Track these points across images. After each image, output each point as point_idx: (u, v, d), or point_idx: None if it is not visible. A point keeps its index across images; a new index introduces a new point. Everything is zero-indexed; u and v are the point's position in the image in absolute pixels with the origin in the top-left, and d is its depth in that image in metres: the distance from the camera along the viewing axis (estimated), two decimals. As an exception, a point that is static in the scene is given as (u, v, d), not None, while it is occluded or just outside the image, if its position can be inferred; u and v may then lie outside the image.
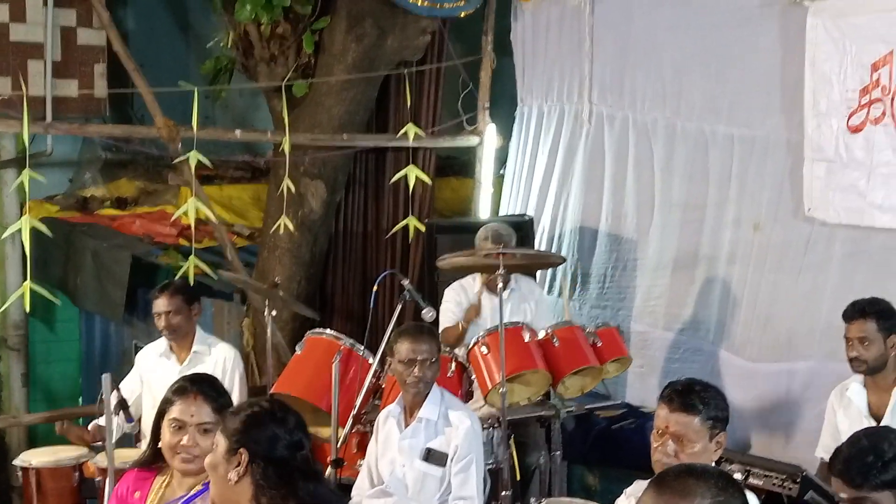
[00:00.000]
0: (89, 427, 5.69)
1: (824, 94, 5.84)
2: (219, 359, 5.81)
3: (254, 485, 3.00)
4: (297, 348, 5.73)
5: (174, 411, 3.47)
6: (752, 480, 4.45)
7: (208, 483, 3.46)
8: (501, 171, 8.20)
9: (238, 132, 7.71)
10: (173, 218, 7.50)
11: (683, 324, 6.81)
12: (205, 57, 8.12)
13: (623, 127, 7.15)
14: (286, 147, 6.93)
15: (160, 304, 5.71)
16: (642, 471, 3.53)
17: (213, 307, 7.98)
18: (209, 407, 3.47)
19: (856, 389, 5.05)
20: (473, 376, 5.67)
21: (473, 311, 6.17)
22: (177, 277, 6.63)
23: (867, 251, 5.82)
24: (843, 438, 3.73)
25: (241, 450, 3.00)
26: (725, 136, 6.49)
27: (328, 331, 5.76)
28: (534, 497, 5.77)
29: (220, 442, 3.04)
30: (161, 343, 5.87)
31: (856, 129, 5.71)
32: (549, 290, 7.59)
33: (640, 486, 3.50)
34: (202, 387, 3.52)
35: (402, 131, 7.21)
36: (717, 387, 3.60)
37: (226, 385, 5.52)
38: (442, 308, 6.20)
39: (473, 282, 6.31)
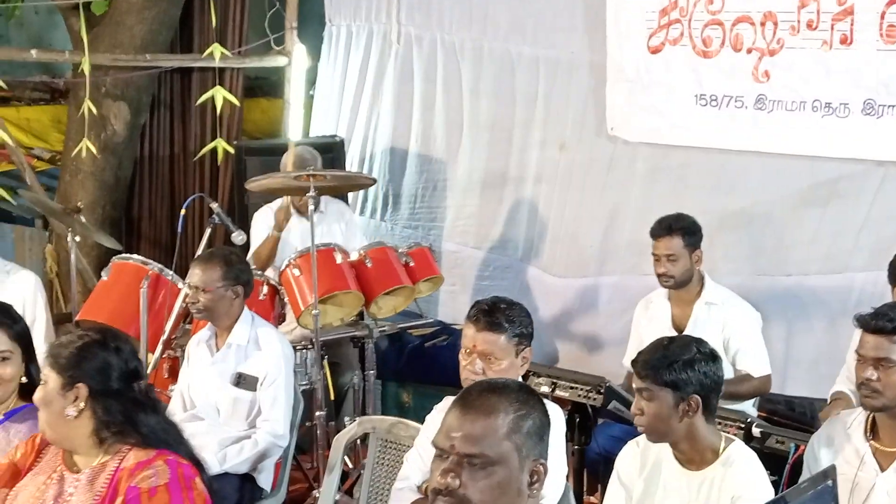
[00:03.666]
0: None
1: (625, 15, 5.97)
2: (19, 286, 5.60)
3: (94, 419, 2.91)
4: (102, 274, 5.59)
5: None
6: (558, 392, 4.59)
7: (9, 413, 3.39)
8: (311, 92, 8.12)
9: (34, 52, 7.40)
10: (-33, 142, 7.19)
11: (493, 242, 6.94)
12: (-4, -28, 7.74)
13: (431, 48, 7.15)
14: (86, 68, 6.69)
15: None
16: (455, 387, 3.59)
17: (13, 233, 7.71)
18: (5, 335, 3.39)
19: (660, 302, 5.24)
20: (286, 299, 5.66)
21: (283, 213, 6.08)
22: (-28, 203, 6.38)
23: (666, 168, 6.02)
24: (648, 350, 3.87)
25: (79, 385, 2.89)
26: (531, 58, 6.58)
27: (135, 256, 5.65)
28: (348, 416, 5.83)
29: (52, 377, 2.90)
30: (-46, 273, 5.63)
31: (655, 50, 5.87)
32: (362, 212, 7.60)
33: (449, 401, 3.57)
34: None
35: (208, 51, 7.04)
36: (521, 304, 3.68)
37: (29, 313, 5.44)
38: (252, 232, 6.14)
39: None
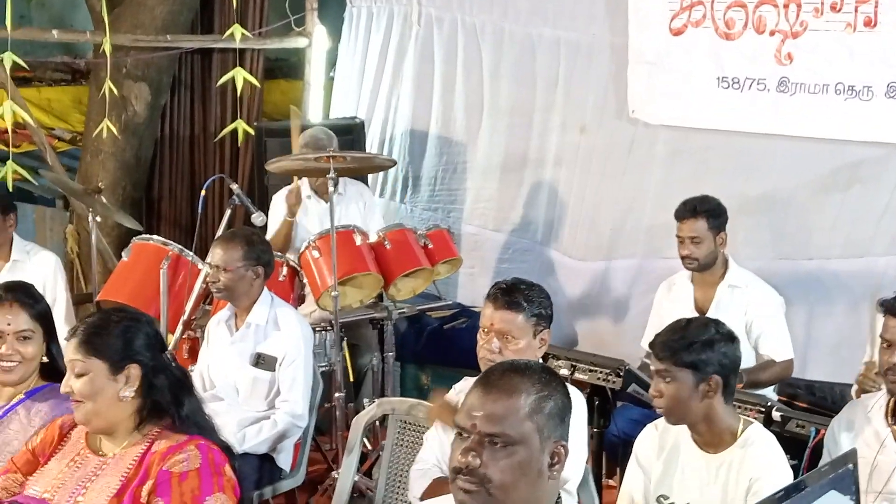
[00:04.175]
0: None
1: (647, -3, 5.94)
2: (40, 267, 5.64)
3: (140, 398, 2.92)
4: (123, 255, 5.61)
5: None
6: (577, 375, 4.58)
7: (30, 392, 3.40)
8: (332, 74, 8.11)
9: (55, 32, 7.42)
10: (-11, 122, 7.21)
11: (513, 225, 6.92)
12: (17, -48, 7.74)
13: (452, 29, 7.13)
14: (107, 48, 6.69)
15: None
16: (473, 368, 3.59)
17: (34, 213, 7.74)
18: (26, 314, 3.41)
19: (683, 284, 5.21)
20: (305, 280, 5.66)
21: (294, 197, 6.09)
22: (-6, 184, 6.40)
23: (687, 151, 5.99)
24: (670, 331, 3.85)
25: (130, 365, 2.91)
26: (552, 40, 6.55)
27: (155, 237, 5.66)
28: (367, 398, 5.84)
29: (96, 365, 2.89)
30: (-25, 253, 5.67)
31: (677, 32, 5.84)
32: (381, 194, 7.60)
33: (467, 382, 3.57)
34: (17, 294, 3.43)
35: (228, 32, 7.03)
36: (541, 286, 3.68)
37: (49, 293, 5.47)
38: (271, 215, 6.13)
39: (302, 185, 6.26)
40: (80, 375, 2.91)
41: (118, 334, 2.93)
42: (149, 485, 2.82)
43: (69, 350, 2.94)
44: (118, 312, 3.06)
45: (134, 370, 2.91)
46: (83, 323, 2.99)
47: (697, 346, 3.37)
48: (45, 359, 3.46)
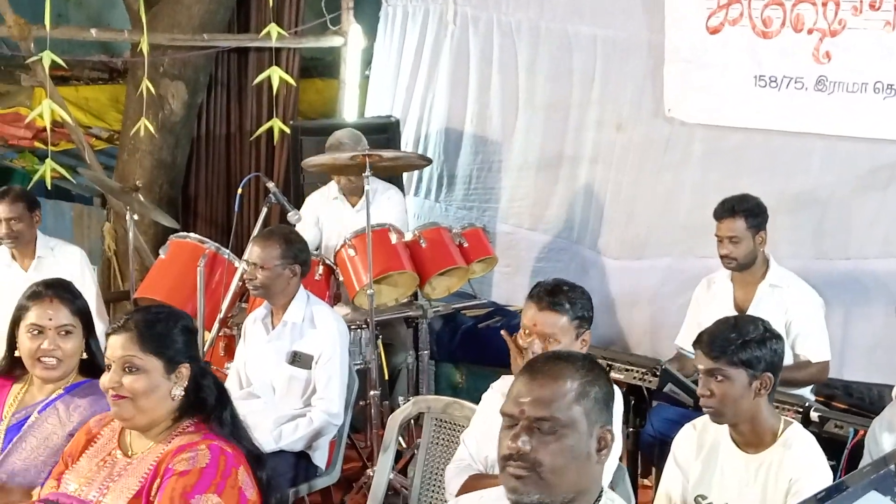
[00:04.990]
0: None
1: (684, -5, 5.91)
2: (66, 262, 5.66)
3: (183, 398, 2.93)
4: (160, 252, 5.65)
5: (31, 316, 3.40)
6: (613, 375, 4.55)
7: (69, 387, 3.42)
8: (367, 73, 8.13)
9: (93, 31, 7.46)
10: (27, 120, 7.29)
11: (548, 223, 6.90)
12: (56, -48, 7.80)
13: (488, 28, 7.12)
14: (144, 47, 6.74)
15: (1, 210, 5.53)
16: (507, 367, 3.60)
17: (72, 211, 7.80)
18: (67, 309, 3.43)
19: (723, 283, 5.15)
20: (341, 278, 5.68)
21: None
22: (33, 181, 6.44)
23: (723, 149, 5.96)
24: (707, 329, 3.83)
25: (183, 364, 2.92)
26: (588, 38, 6.52)
27: (192, 234, 5.70)
28: (401, 396, 5.85)
29: (152, 362, 2.87)
30: (2, 251, 5.69)
31: (714, 31, 5.81)
32: (416, 192, 7.61)
33: (506, 381, 3.57)
34: (57, 290, 3.46)
35: (265, 31, 7.07)
36: (582, 287, 3.67)
37: (79, 286, 5.49)
38: (302, 214, 6.15)
39: (329, 187, 6.30)
40: (133, 371, 2.88)
41: (176, 333, 2.94)
42: (157, 483, 2.82)
43: (120, 344, 2.89)
44: (168, 310, 3.06)
45: (185, 369, 2.92)
46: (134, 318, 2.93)
47: (752, 343, 3.37)
48: (84, 355, 3.48)
